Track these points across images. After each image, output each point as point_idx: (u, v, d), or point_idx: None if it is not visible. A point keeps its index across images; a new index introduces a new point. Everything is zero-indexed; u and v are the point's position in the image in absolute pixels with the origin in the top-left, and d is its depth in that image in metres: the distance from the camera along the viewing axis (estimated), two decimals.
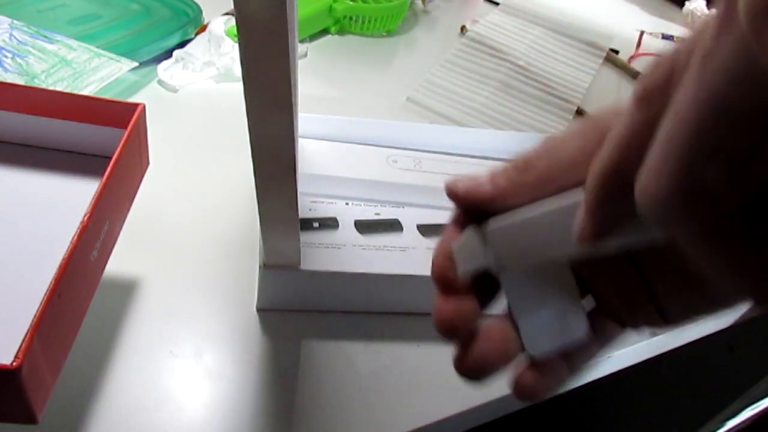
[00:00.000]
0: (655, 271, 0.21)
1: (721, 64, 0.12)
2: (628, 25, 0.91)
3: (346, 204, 0.47)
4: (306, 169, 0.47)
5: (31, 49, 0.52)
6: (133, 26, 0.60)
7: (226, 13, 0.64)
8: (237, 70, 0.59)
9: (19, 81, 0.49)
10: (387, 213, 0.47)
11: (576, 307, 0.22)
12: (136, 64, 0.54)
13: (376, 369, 0.38)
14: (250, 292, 0.41)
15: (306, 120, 0.50)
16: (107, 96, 0.38)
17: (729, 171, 0.12)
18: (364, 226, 0.45)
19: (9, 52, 0.51)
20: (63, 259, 0.27)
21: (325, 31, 0.72)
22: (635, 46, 0.85)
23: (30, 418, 0.26)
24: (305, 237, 0.43)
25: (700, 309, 0.21)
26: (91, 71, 0.52)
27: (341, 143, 0.50)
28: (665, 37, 0.89)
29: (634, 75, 0.78)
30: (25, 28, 0.54)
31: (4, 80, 0.38)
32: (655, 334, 0.44)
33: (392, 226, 0.46)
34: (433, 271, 0.23)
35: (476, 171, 0.49)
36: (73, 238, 0.28)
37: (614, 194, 0.16)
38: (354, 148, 0.50)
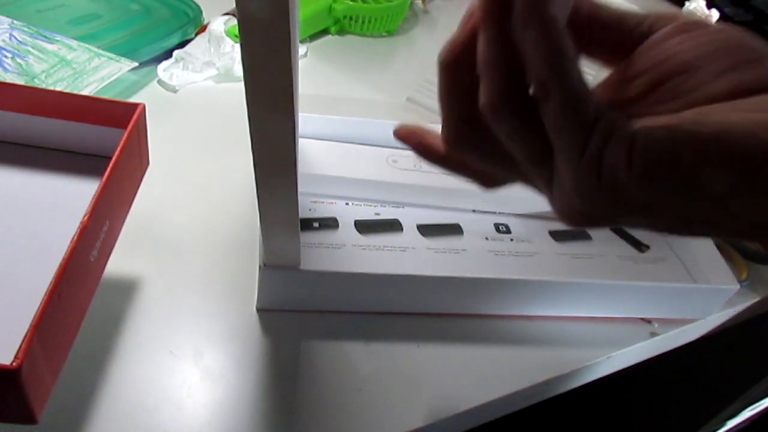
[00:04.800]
0: None
1: None
2: None
3: (346, 204, 0.47)
4: (306, 169, 0.47)
5: (31, 49, 0.52)
6: (133, 26, 0.60)
7: (226, 13, 0.64)
8: (237, 70, 0.59)
9: (19, 81, 0.49)
10: (387, 213, 0.47)
11: None
12: (136, 64, 0.54)
13: (376, 369, 0.38)
14: (250, 292, 0.41)
15: (306, 120, 0.50)
16: (107, 96, 0.38)
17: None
18: (364, 226, 0.45)
19: (9, 52, 0.51)
20: (63, 259, 0.27)
21: (325, 31, 0.72)
22: None
23: (30, 418, 0.26)
24: (305, 237, 0.43)
25: None
26: (91, 71, 0.52)
27: (341, 143, 0.50)
28: None
29: None
30: (25, 28, 0.54)
31: (4, 80, 0.38)
32: (655, 334, 0.44)
33: (392, 226, 0.46)
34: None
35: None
36: (73, 238, 0.28)
37: None
38: (354, 148, 0.50)
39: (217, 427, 0.34)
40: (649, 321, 0.45)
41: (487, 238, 0.47)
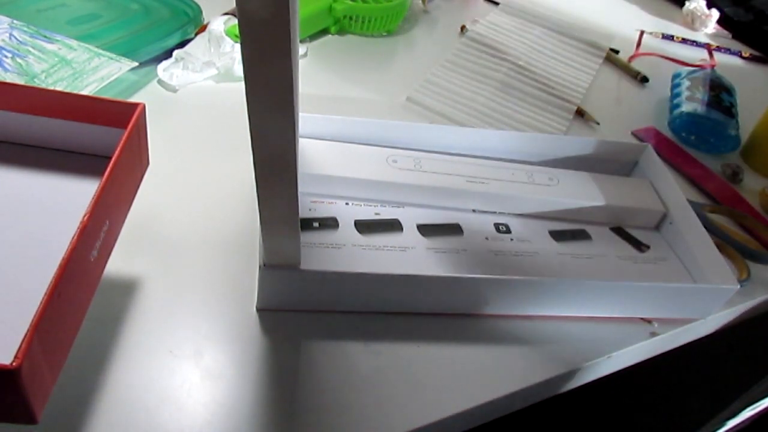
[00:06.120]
0: None
1: None
2: (628, 25, 0.91)
3: (346, 204, 0.47)
4: (306, 169, 0.47)
5: (31, 49, 0.52)
6: (133, 26, 0.60)
7: (226, 13, 0.64)
8: (237, 70, 0.59)
9: (19, 81, 0.49)
10: (387, 213, 0.47)
11: None
12: (136, 64, 0.54)
13: (376, 369, 0.38)
14: (250, 292, 0.41)
15: (306, 120, 0.50)
16: (107, 96, 0.38)
17: None
18: (364, 226, 0.45)
19: (9, 52, 0.51)
20: (63, 259, 0.27)
21: (325, 31, 0.72)
22: (635, 46, 0.85)
23: (30, 418, 0.26)
24: (305, 237, 0.43)
25: None
26: (91, 71, 0.52)
27: (341, 143, 0.50)
28: (665, 36, 0.89)
29: (634, 75, 0.78)
30: (25, 28, 0.54)
31: (4, 80, 0.38)
32: (655, 334, 0.44)
33: (392, 226, 0.46)
34: None
35: (476, 171, 0.50)
36: (73, 238, 0.28)
37: None
38: (354, 148, 0.50)
39: (217, 427, 0.34)
40: (649, 321, 0.45)
41: (487, 238, 0.47)
